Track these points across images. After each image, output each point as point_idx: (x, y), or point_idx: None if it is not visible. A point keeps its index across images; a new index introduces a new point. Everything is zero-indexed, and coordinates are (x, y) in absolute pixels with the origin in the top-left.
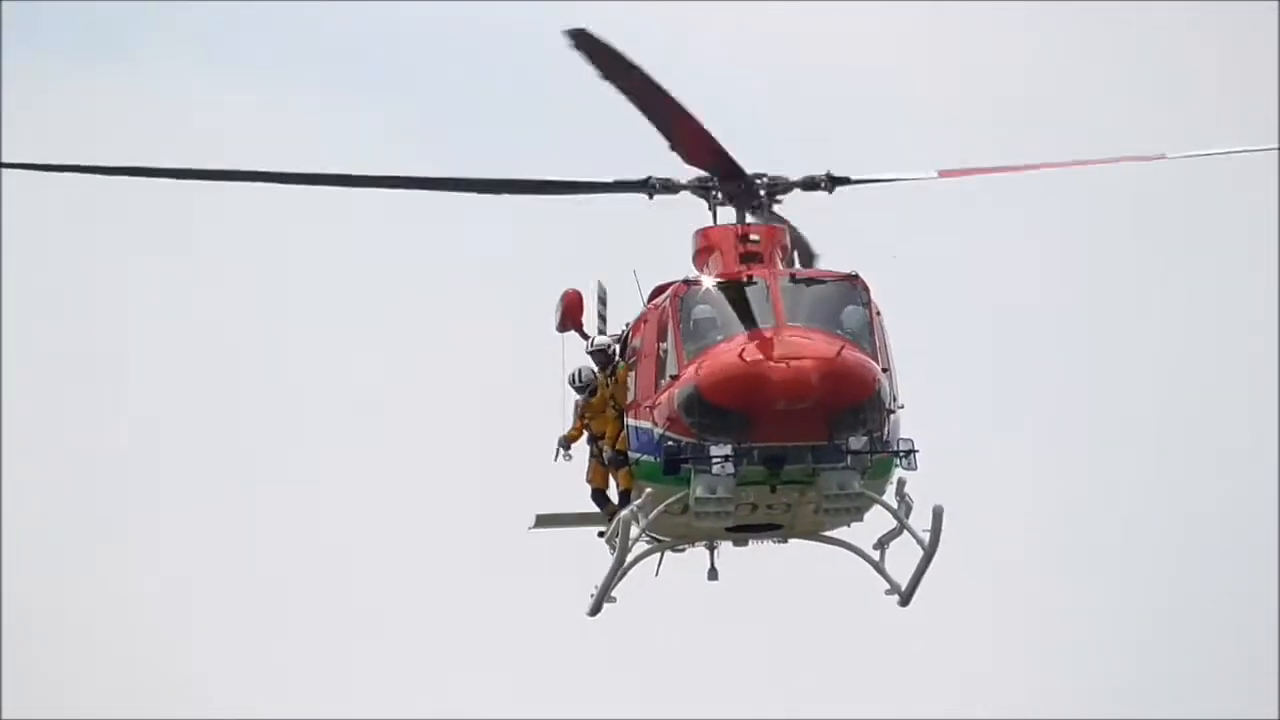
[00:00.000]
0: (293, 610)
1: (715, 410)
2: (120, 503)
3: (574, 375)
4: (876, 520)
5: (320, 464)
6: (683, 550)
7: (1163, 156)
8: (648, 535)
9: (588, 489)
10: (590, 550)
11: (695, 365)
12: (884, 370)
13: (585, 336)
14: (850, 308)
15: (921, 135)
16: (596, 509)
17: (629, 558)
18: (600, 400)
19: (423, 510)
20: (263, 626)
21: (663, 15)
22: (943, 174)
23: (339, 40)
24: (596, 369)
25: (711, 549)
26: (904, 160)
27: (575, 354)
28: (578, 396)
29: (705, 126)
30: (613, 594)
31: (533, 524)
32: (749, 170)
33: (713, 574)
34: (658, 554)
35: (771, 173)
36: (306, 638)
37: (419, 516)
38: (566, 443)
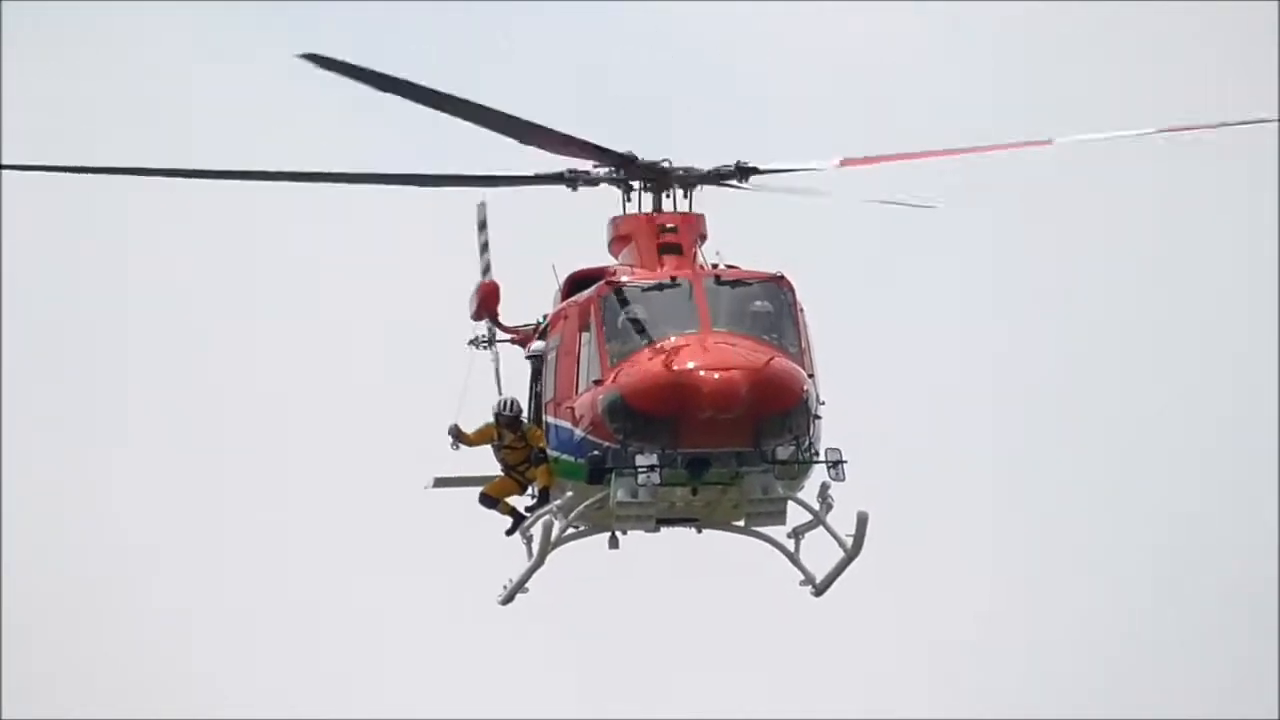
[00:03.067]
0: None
1: (640, 417)
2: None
3: (506, 402)
4: (792, 510)
5: (233, 436)
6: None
7: (1050, 141)
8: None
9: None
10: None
11: (619, 371)
12: (810, 376)
13: (500, 325)
14: (775, 309)
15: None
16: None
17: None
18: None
19: (325, 483)
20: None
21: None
22: (845, 162)
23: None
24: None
25: None
26: (805, 150)
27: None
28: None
29: (555, 131)
30: (526, 586)
31: (430, 484)
32: (650, 157)
33: (613, 543)
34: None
35: (683, 163)
36: (200, 616)
37: (320, 492)
38: (458, 436)
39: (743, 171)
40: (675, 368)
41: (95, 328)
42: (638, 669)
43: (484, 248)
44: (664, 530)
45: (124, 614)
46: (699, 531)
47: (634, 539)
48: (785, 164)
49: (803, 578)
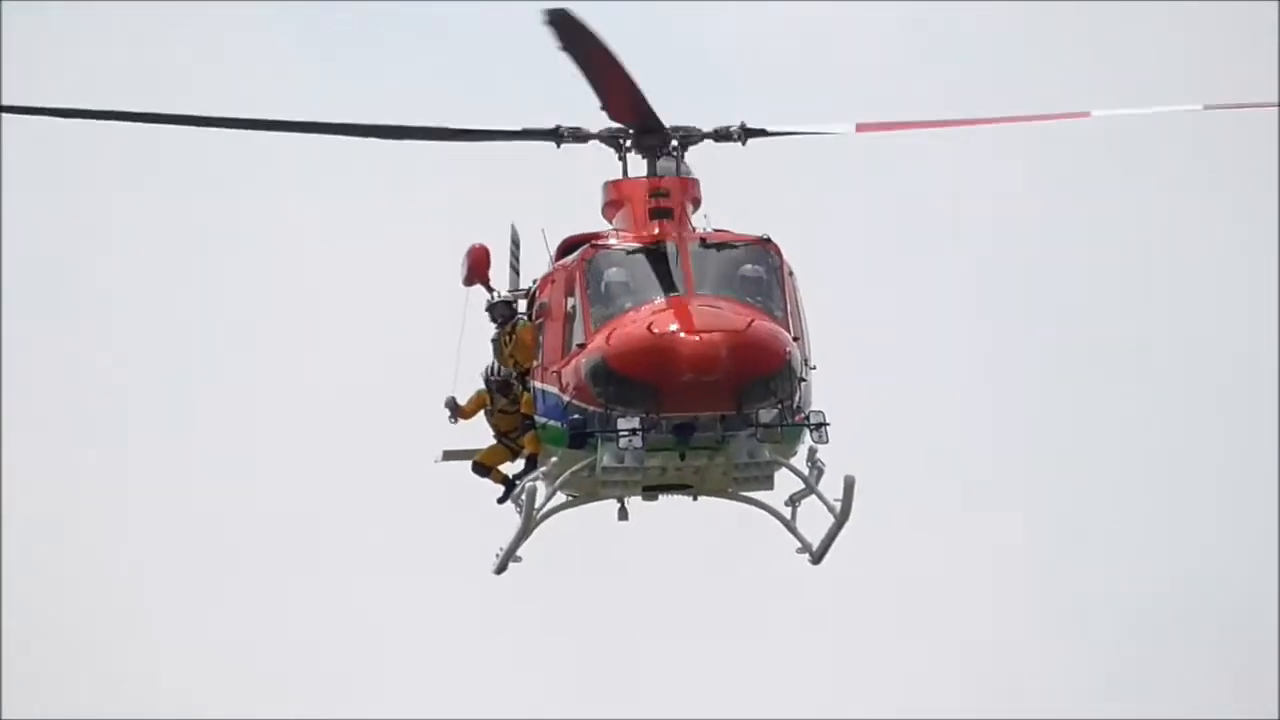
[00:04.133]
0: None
1: (622, 381)
2: None
3: (493, 366)
4: (787, 479)
5: (225, 407)
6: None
7: (1088, 114)
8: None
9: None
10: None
11: (603, 335)
12: (795, 338)
13: (491, 291)
14: (762, 272)
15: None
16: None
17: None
18: (526, 336)
19: (325, 455)
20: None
21: None
22: (860, 128)
23: None
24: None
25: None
26: (820, 113)
27: (480, 310)
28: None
29: (637, 84)
30: (518, 554)
31: (439, 458)
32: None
33: (623, 514)
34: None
35: (684, 123)
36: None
37: (319, 462)
38: (454, 409)
39: (747, 132)
40: (656, 330)
41: (81, 303)
42: (636, 647)
43: (514, 268)
44: (661, 499)
45: (127, 592)
46: (694, 499)
47: (636, 510)
48: (797, 127)
49: (799, 545)
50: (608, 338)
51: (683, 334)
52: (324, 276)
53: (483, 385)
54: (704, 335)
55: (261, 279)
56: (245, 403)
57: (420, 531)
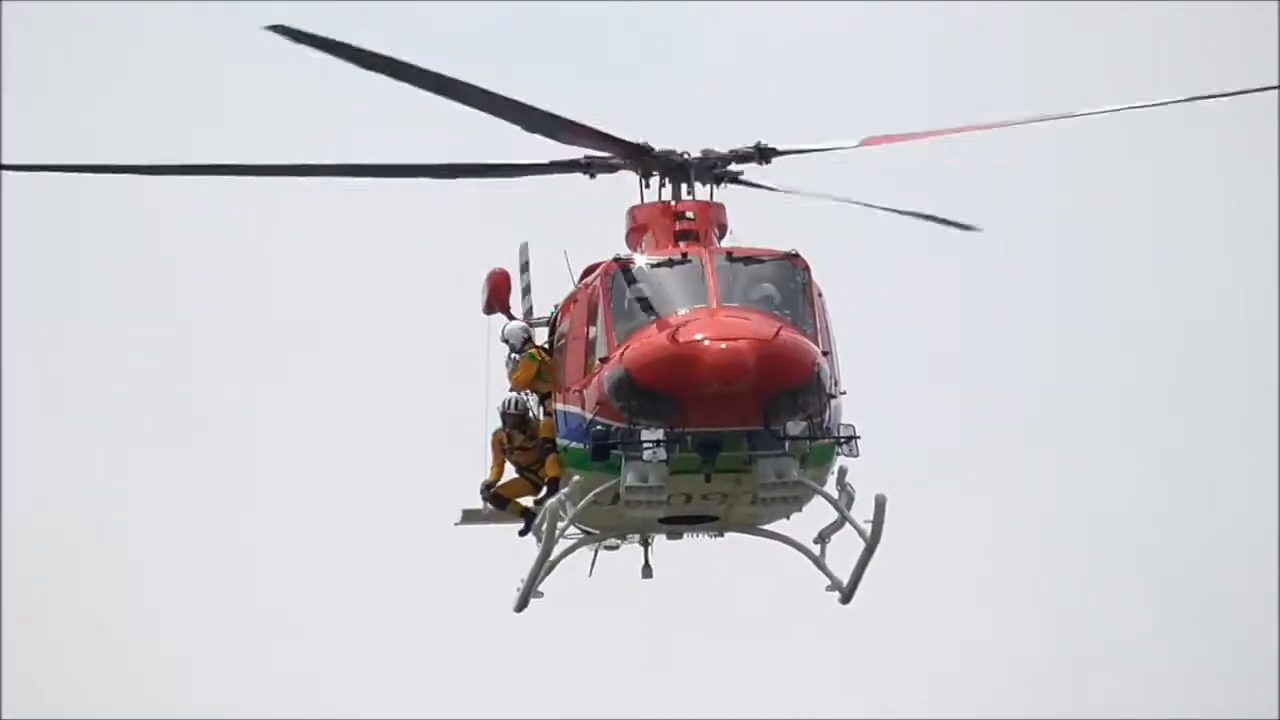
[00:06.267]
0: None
1: (646, 393)
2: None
3: (511, 400)
4: (817, 513)
5: (244, 457)
6: (616, 548)
7: (1072, 114)
8: (578, 527)
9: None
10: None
11: (625, 347)
12: (824, 353)
13: (512, 318)
14: (789, 287)
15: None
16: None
17: (557, 550)
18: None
19: (344, 501)
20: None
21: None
22: (867, 141)
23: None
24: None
25: (645, 544)
26: (828, 129)
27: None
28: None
29: (573, 121)
30: (540, 589)
31: (459, 519)
32: (677, 148)
33: (647, 571)
34: (591, 551)
35: (701, 147)
36: (231, 637)
37: (339, 508)
38: (489, 491)
39: (763, 153)
40: (680, 340)
41: (105, 346)
42: (661, 684)
43: (526, 290)
44: (685, 538)
45: (144, 645)
46: (720, 534)
47: (660, 553)
48: (807, 144)
49: (829, 583)
50: (630, 349)
51: (707, 343)
52: (345, 313)
53: (499, 422)
54: (729, 344)
55: (281, 316)
56: (257, 454)
57: (439, 581)
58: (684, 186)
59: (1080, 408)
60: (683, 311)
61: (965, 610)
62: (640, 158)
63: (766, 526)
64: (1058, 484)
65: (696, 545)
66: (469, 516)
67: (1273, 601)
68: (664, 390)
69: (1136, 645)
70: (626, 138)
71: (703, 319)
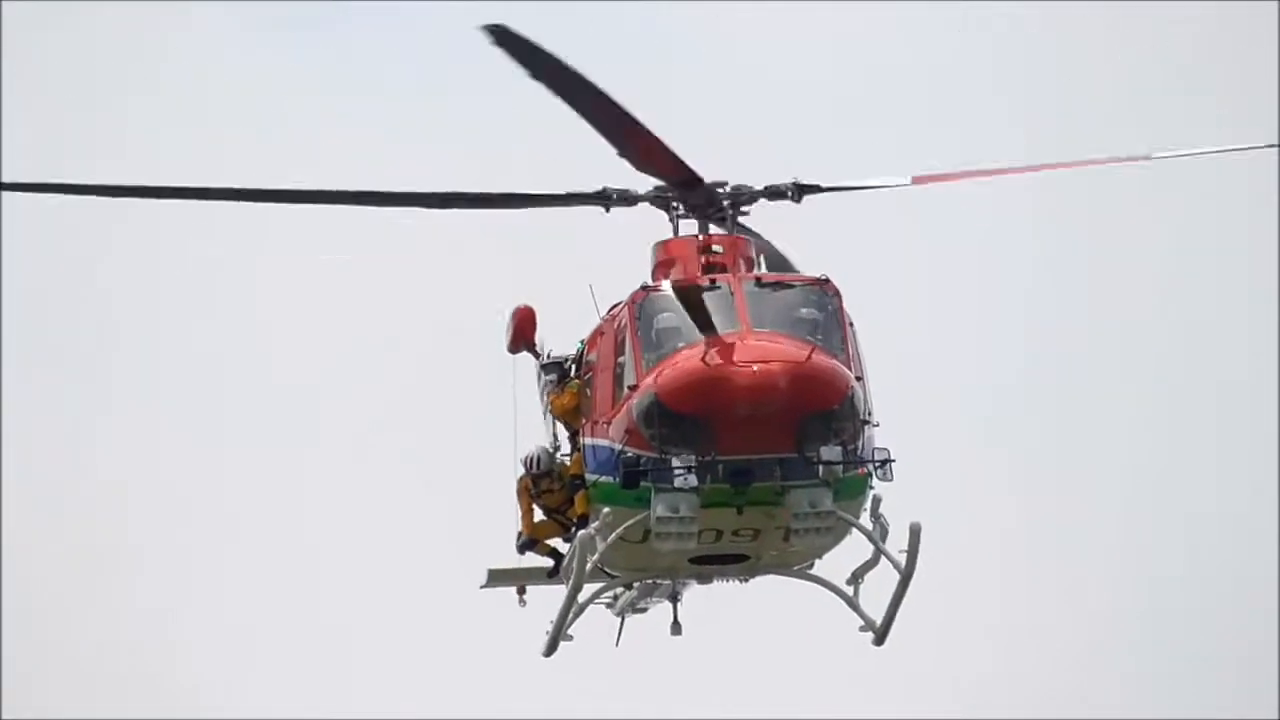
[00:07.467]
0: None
1: (676, 418)
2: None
3: (533, 460)
4: (849, 554)
5: (260, 501)
6: (645, 610)
7: (1148, 158)
8: (604, 570)
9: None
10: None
11: (654, 373)
12: (857, 379)
13: (537, 356)
14: (820, 313)
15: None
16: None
17: (587, 591)
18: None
19: (367, 551)
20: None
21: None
22: (916, 180)
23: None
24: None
25: (675, 599)
26: (875, 167)
27: (527, 376)
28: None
29: (648, 129)
30: (569, 632)
31: (485, 582)
32: (709, 178)
33: (676, 628)
34: (619, 620)
35: (735, 181)
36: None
37: (360, 558)
38: (527, 544)
39: (799, 190)
40: (710, 363)
41: (128, 388)
42: None
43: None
44: (715, 582)
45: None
46: (749, 577)
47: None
48: (851, 182)
49: (863, 624)
50: (659, 375)
51: (738, 365)
52: (360, 351)
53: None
54: (761, 366)
55: (290, 355)
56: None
57: (465, 633)
58: (711, 221)
59: (1108, 441)
60: (712, 336)
61: (1000, 645)
62: (687, 189)
63: (797, 567)
64: (1085, 508)
65: (724, 594)
66: (495, 578)
67: (1274, 601)
68: (694, 414)
69: (1138, 647)
70: (689, 163)
71: (733, 343)
